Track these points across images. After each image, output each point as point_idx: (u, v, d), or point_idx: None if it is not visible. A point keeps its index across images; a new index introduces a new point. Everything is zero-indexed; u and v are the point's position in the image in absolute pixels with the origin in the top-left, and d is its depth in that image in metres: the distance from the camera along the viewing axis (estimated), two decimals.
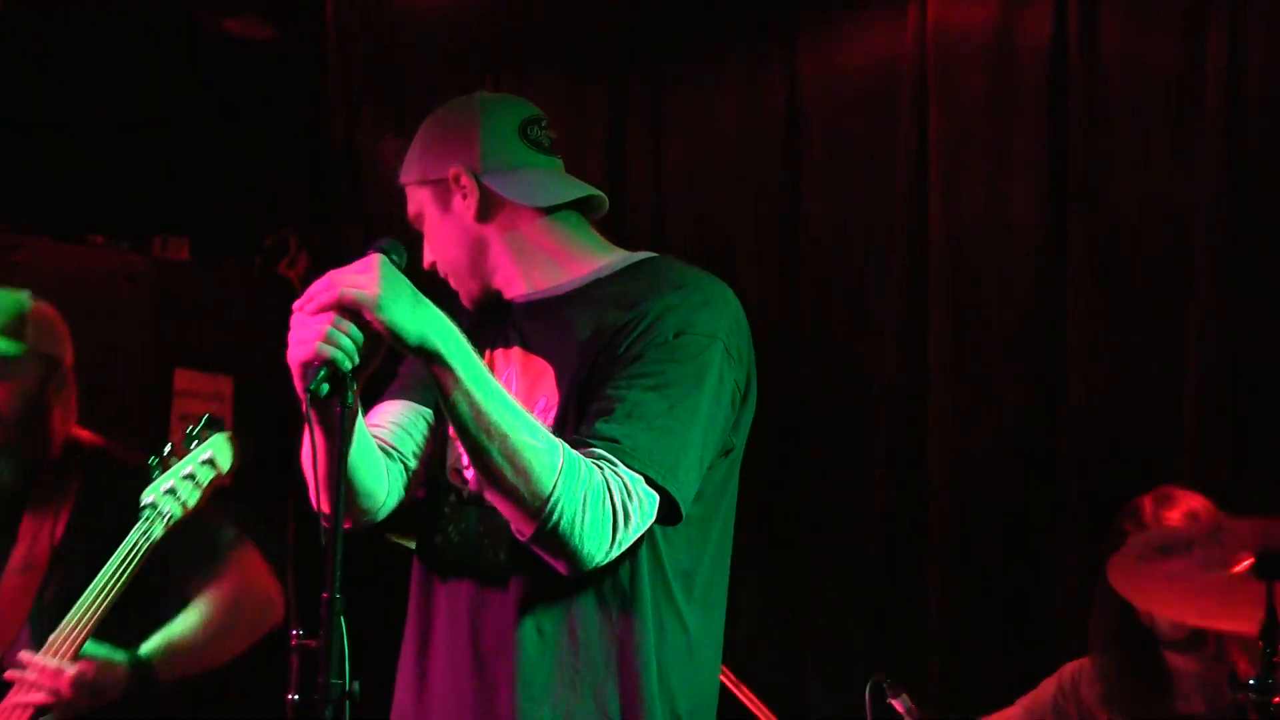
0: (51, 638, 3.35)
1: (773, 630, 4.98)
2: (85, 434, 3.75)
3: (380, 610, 3.47)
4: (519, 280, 2.63)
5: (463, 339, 2.29)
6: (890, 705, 3.72)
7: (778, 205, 5.19)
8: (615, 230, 3.74)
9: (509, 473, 2.27)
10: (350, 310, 2.21)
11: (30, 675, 3.33)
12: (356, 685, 2.11)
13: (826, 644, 4.96)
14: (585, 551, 2.31)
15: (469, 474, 2.55)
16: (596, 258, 2.63)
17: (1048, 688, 3.90)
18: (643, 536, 2.41)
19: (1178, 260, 4.46)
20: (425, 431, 2.66)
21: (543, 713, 2.43)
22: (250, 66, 5.93)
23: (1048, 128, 4.68)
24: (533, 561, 2.39)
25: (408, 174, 2.69)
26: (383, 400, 2.70)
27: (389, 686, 2.62)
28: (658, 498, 2.37)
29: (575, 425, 2.41)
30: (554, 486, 2.27)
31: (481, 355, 2.41)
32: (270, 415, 5.25)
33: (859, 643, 4.86)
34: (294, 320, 2.24)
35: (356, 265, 2.26)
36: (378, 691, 2.46)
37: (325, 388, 2.20)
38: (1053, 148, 4.67)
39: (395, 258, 2.30)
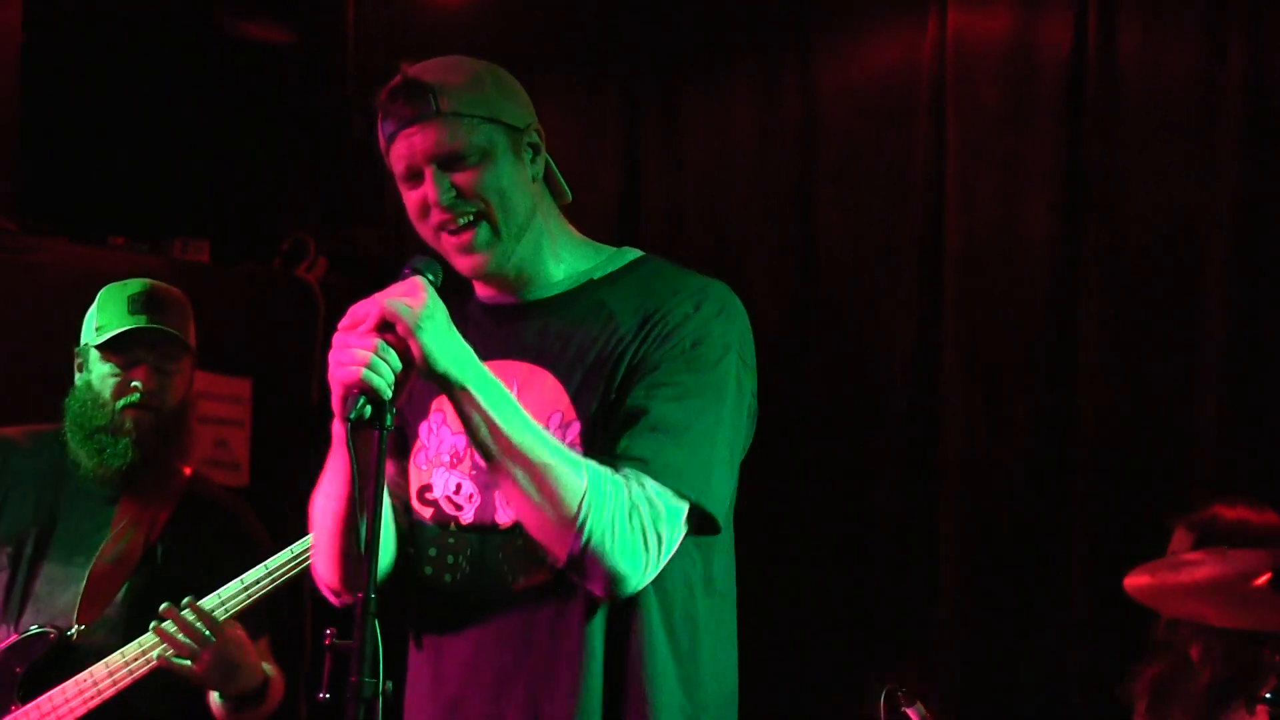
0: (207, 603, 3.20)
1: (784, 638, 4.98)
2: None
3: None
4: (537, 271, 2.50)
5: (484, 367, 2.29)
6: (905, 714, 3.72)
7: (793, 214, 5.19)
8: (631, 237, 3.76)
9: (535, 497, 2.26)
10: (387, 325, 2.22)
11: (183, 626, 3.17)
12: (389, 684, 2.11)
13: (839, 653, 4.96)
14: (621, 571, 2.28)
15: (461, 499, 2.46)
16: (584, 255, 2.55)
17: None
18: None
19: (1194, 271, 4.46)
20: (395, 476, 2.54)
21: None
22: (271, 71, 5.94)
23: (1065, 138, 4.69)
24: (545, 587, 2.36)
25: (470, 106, 2.41)
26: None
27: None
28: (685, 511, 2.33)
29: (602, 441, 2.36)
30: (580, 507, 2.25)
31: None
32: (287, 417, 5.28)
33: (871, 652, 4.86)
34: (337, 340, 2.25)
35: (403, 286, 2.27)
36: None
37: (368, 411, 2.22)
38: (1070, 159, 4.68)
39: (431, 277, 2.31)
